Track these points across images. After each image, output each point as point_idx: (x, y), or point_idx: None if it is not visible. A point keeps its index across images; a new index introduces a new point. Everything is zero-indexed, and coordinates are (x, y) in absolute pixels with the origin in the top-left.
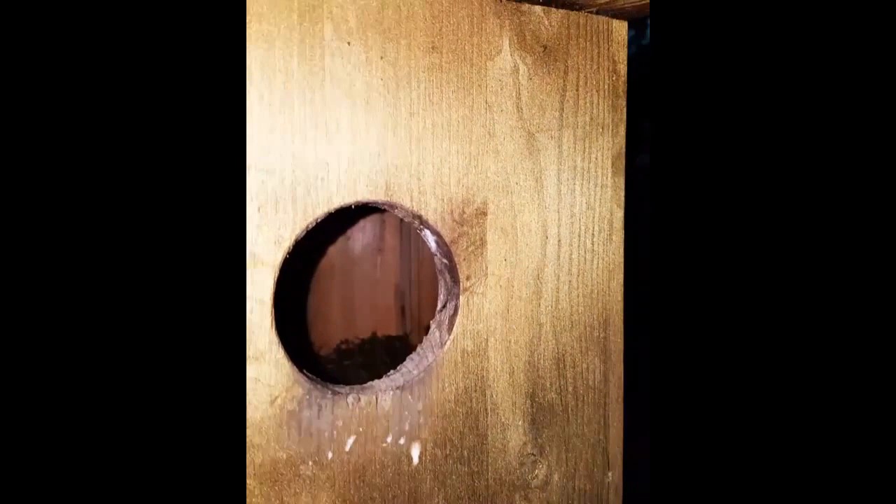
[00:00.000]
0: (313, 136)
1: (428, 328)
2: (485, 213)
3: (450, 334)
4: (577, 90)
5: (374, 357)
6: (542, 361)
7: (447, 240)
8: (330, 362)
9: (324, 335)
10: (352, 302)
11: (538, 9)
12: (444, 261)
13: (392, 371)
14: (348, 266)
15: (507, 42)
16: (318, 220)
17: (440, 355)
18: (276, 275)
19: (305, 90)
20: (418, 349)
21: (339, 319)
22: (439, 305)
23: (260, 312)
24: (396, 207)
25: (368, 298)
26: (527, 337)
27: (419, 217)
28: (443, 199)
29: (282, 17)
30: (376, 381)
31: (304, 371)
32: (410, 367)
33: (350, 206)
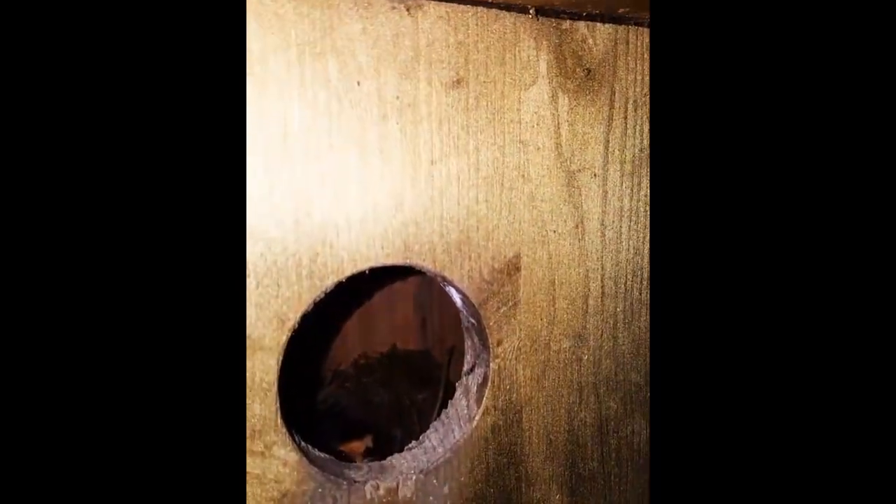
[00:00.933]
0: (318, 196)
1: (452, 350)
2: (518, 269)
3: (479, 406)
4: (624, 119)
5: (394, 373)
6: (582, 428)
7: (475, 301)
8: (348, 378)
9: (342, 349)
10: (370, 314)
11: (581, 25)
12: (472, 321)
13: (413, 444)
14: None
15: (545, 67)
16: (328, 291)
17: (468, 431)
18: (281, 358)
19: (309, 141)
20: (443, 418)
21: (356, 333)
22: (466, 366)
23: (264, 402)
24: (417, 268)
25: (387, 311)
26: (566, 403)
27: (442, 277)
28: (469, 256)
29: (276, 55)
30: (396, 460)
31: (315, 449)
32: (434, 441)
33: (364, 272)
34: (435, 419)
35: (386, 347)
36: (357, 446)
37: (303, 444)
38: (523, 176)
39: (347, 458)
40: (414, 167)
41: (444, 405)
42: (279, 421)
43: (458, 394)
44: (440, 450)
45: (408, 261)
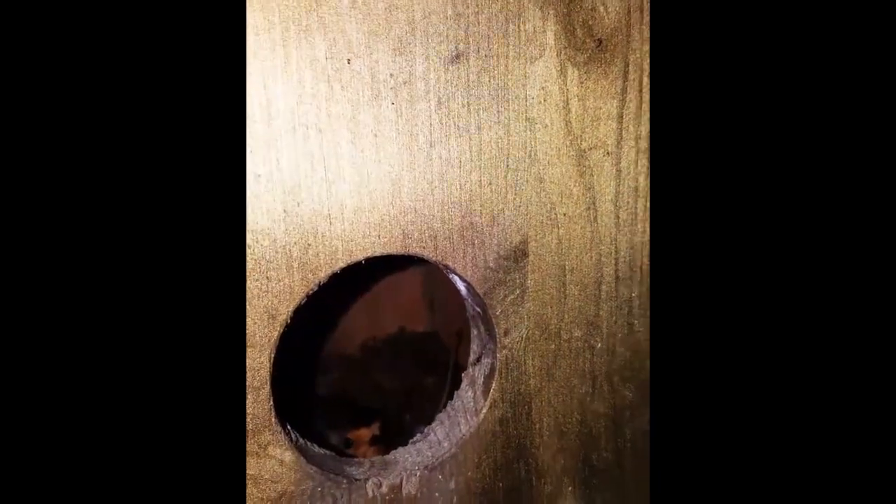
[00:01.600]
0: (308, 184)
1: (460, 333)
2: (525, 254)
3: (486, 399)
4: (639, 92)
5: (402, 356)
6: (596, 420)
7: (480, 290)
8: (355, 363)
9: (348, 331)
10: (376, 295)
11: None
12: (478, 310)
13: (418, 436)
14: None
15: (552, 38)
16: (322, 284)
17: (475, 424)
18: (273, 354)
19: (296, 126)
20: (448, 410)
21: (363, 314)
22: (472, 356)
23: (256, 401)
24: (417, 257)
25: (394, 292)
26: (578, 394)
27: (445, 265)
28: (473, 243)
29: (259, 33)
30: (400, 454)
31: (314, 445)
32: (440, 434)
33: (360, 262)
34: (441, 410)
35: (393, 329)
36: (364, 433)
37: (300, 441)
38: (530, 156)
39: (354, 446)
40: (411, 150)
41: (452, 391)
42: (274, 419)
43: (464, 385)
44: (446, 444)
45: (407, 250)
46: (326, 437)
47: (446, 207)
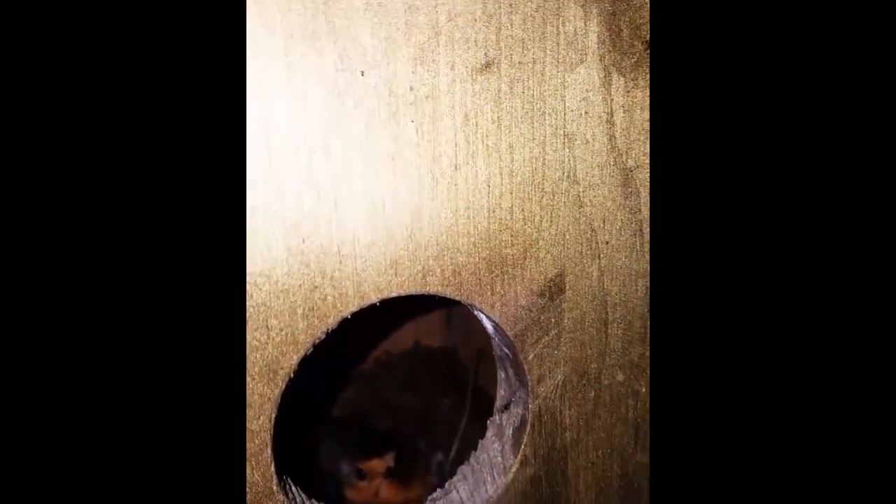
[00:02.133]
0: (315, 215)
1: (480, 354)
2: (562, 290)
3: (516, 455)
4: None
5: (418, 373)
6: (638, 472)
7: (510, 331)
8: (369, 380)
9: (362, 346)
10: (391, 310)
11: None
12: (506, 351)
13: (437, 494)
14: None
15: (595, 41)
16: (331, 330)
17: (504, 484)
18: (275, 414)
19: (299, 149)
20: (472, 463)
21: (376, 326)
22: (499, 401)
23: (256, 467)
24: (435, 295)
25: (410, 306)
26: (619, 445)
27: (470, 304)
28: (502, 279)
29: (259, 41)
30: None
31: None
32: (463, 494)
33: (375, 304)
34: (465, 461)
35: (408, 343)
36: (378, 465)
37: (305, 502)
38: (569, 177)
39: (368, 478)
40: (433, 174)
41: (473, 416)
42: (275, 486)
43: (489, 435)
44: None
45: (427, 289)
46: (337, 465)
47: (472, 239)
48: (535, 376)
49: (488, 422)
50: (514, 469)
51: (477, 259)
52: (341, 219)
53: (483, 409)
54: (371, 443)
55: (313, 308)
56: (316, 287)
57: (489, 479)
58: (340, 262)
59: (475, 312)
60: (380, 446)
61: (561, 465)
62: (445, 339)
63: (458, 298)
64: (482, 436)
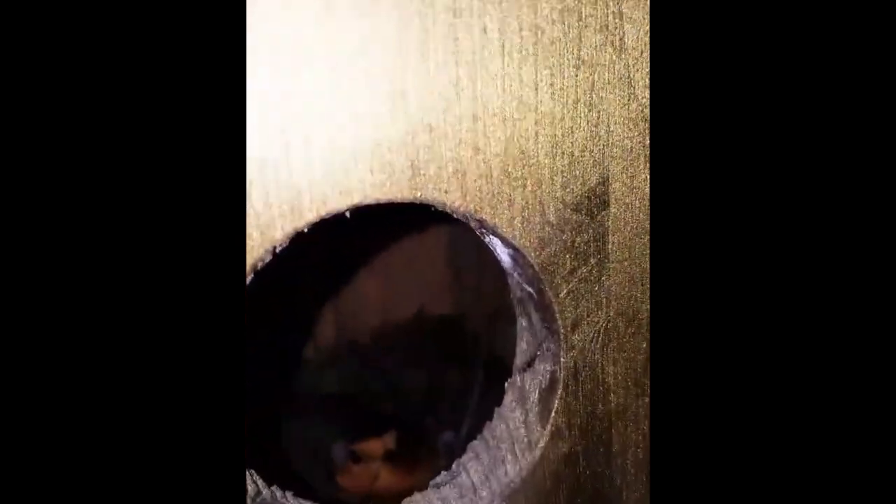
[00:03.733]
0: (260, 97)
1: (495, 316)
2: (606, 203)
3: (544, 426)
4: None
5: (423, 345)
6: None
7: (535, 259)
8: (366, 355)
9: (357, 316)
10: (390, 266)
11: None
12: (529, 289)
13: (442, 477)
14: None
15: None
16: (280, 249)
17: (530, 464)
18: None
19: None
20: (486, 437)
21: (375, 294)
22: (520, 358)
23: None
24: (432, 206)
25: (411, 262)
26: None
27: (479, 220)
28: (524, 185)
29: None
30: (415, 500)
31: (296, 500)
32: (475, 477)
33: (343, 214)
34: (467, 411)
35: (412, 312)
36: (375, 447)
37: (265, 494)
38: (612, 43)
39: (363, 462)
40: (426, 33)
41: (486, 391)
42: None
43: (508, 401)
44: (485, 493)
45: (417, 194)
46: (328, 449)
47: (480, 126)
48: (569, 321)
49: (506, 384)
50: (542, 444)
51: (487, 155)
52: (293, 98)
53: (497, 380)
54: (368, 421)
55: (259, 220)
56: (267, 192)
57: (509, 457)
58: (287, 158)
59: (487, 239)
60: (378, 425)
61: (604, 437)
62: (453, 305)
63: (460, 212)
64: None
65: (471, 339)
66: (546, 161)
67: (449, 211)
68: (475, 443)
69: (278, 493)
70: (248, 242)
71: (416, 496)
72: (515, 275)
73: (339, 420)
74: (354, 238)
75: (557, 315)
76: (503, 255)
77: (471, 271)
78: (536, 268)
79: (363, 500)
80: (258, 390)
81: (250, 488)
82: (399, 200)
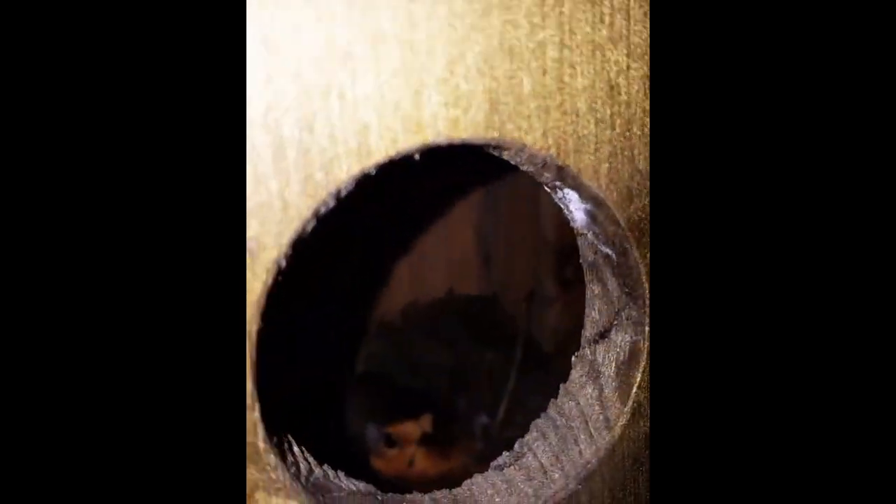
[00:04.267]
0: (296, 35)
1: (531, 296)
2: None
3: (624, 403)
4: None
5: (451, 323)
6: None
7: (620, 215)
8: (394, 331)
9: (386, 295)
10: (420, 249)
11: None
12: (606, 251)
13: (505, 457)
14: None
15: None
16: (348, 189)
17: (607, 444)
18: (255, 354)
19: None
20: (554, 416)
21: (404, 273)
22: (591, 329)
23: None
24: (508, 149)
25: (441, 244)
26: None
27: (559, 169)
28: (613, 125)
29: None
30: (479, 489)
31: (340, 477)
32: (544, 459)
33: (413, 158)
34: (505, 392)
35: (441, 292)
36: (411, 430)
37: (318, 475)
38: None
39: (398, 446)
40: None
41: (523, 370)
42: (263, 445)
43: (577, 377)
44: (557, 475)
45: (494, 133)
46: (362, 429)
47: (568, 53)
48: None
49: (573, 359)
50: (621, 422)
51: (574, 89)
52: (339, 36)
53: (535, 362)
54: (402, 403)
55: (305, 167)
56: (301, 142)
57: (582, 436)
58: (341, 100)
59: (559, 194)
60: (413, 408)
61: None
62: (484, 286)
63: (539, 157)
64: (537, 392)
65: (506, 319)
66: (638, 98)
67: (524, 160)
68: (539, 421)
69: (330, 473)
70: (311, 184)
71: (478, 478)
72: (590, 235)
73: (371, 400)
74: (387, 225)
75: (642, 279)
76: (578, 211)
77: (499, 254)
78: (622, 224)
79: (398, 484)
80: (300, 372)
81: (303, 466)
82: (474, 141)
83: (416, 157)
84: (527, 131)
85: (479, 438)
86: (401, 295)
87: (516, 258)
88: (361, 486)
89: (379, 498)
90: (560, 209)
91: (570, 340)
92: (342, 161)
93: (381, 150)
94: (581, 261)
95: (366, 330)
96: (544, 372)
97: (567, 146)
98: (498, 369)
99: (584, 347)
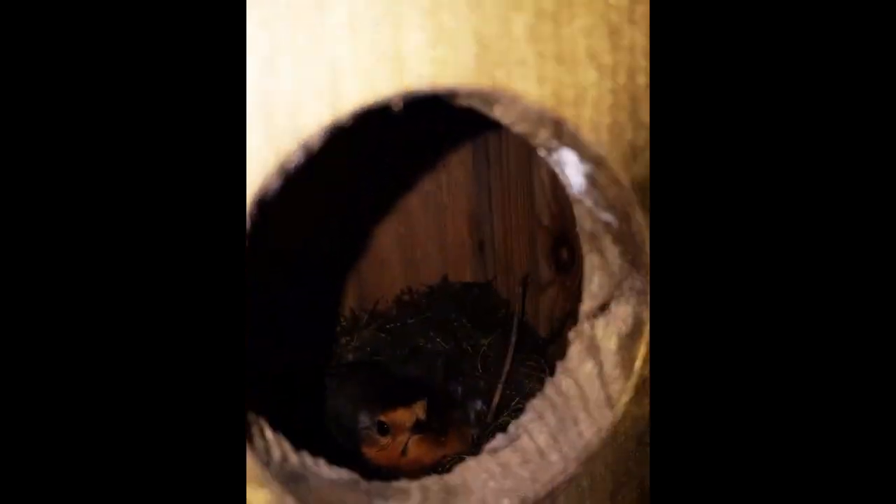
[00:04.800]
0: None
1: (526, 280)
2: None
3: (627, 378)
4: None
5: (447, 312)
6: None
7: (622, 175)
8: (389, 321)
9: (379, 283)
10: (412, 236)
11: None
12: (606, 217)
13: (499, 439)
14: (403, 188)
15: None
16: (320, 144)
17: (608, 423)
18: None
19: None
20: (551, 395)
21: (397, 261)
22: (590, 303)
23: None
24: (499, 101)
25: (435, 231)
26: None
27: (556, 123)
28: (614, 72)
29: None
30: (472, 474)
31: (322, 464)
32: (540, 440)
33: (391, 109)
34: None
35: (435, 278)
36: (404, 417)
37: (303, 462)
38: None
39: (391, 434)
40: None
41: (520, 357)
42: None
43: (574, 353)
44: (555, 457)
45: (484, 79)
46: (354, 418)
47: None
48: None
49: (570, 335)
50: (624, 399)
51: (572, 30)
52: None
53: (531, 346)
54: (395, 390)
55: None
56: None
57: (582, 415)
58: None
59: (554, 156)
60: (406, 394)
61: None
62: (478, 272)
63: (533, 110)
64: (531, 378)
65: (500, 304)
66: (643, 42)
67: (516, 116)
68: (535, 401)
69: (308, 461)
70: (273, 131)
71: (470, 462)
72: (589, 201)
73: (362, 387)
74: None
75: (646, 244)
76: (576, 175)
77: (495, 240)
78: (626, 185)
79: (390, 473)
80: (286, 356)
81: (275, 453)
82: (461, 88)
83: (399, 106)
84: (520, 79)
85: (475, 424)
86: (395, 283)
87: (511, 242)
88: (344, 473)
89: (362, 486)
90: (554, 188)
91: (565, 324)
92: (310, 104)
93: (355, 93)
94: (579, 229)
95: (358, 318)
96: (540, 356)
97: (565, 97)
98: (493, 355)
99: (582, 322)
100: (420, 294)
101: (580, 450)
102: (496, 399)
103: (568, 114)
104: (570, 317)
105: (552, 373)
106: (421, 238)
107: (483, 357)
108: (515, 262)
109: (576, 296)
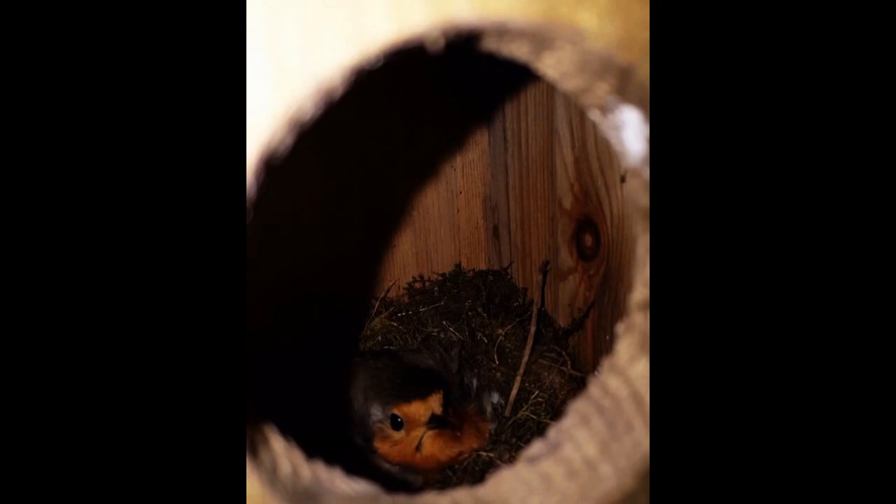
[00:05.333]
0: None
1: (546, 266)
2: None
3: None
4: None
5: (460, 300)
6: None
7: None
8: (401, 308)
9: (391, 270)
10: (425, 223)
11: None
12: None
13: (537, 446)
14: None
15: None
16: (313, 115)
17: None
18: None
19: None
20: (595, 397)
21: (409, 248)
22: (641, 292)
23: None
24: (559, 41)
25: (447, 217)
26: None
27: (621, 72)
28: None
29: None
30: (507, 486)
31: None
32: (589, 447)
33: (420, 46)
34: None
35: (449, 266)
36: (419, 410)
37: (305, 476)
38: None
39: (405, 428)
40: None
41: (539, 347)
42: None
43: (622, 349)
44: (607, 468)
45: (550, 16)
46: (364, 409)
47: None
48: None
49: (616, 328)
50: None
51: None
52: None
53: (550, 337)
54: (407, 381)
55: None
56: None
57: (637, 420)
58: None
59: (609, 117)
60: (422, 386)
61: None
62: (493, 260)
63: (583, 59)
64: (549, 370)
65: (516, 293)
66: None
67: (574, 63)
68: (578, 404)
69: (323, 474)
70: (283, 75)
71: (505, 472)
72: (647, 172)
73: (378, 381)
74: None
75: None
76: (636, 140)
77: (510, 227)
78: None
79: (404, 470)
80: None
81: (284, 467)
82: (513, 23)
83: (438, 45)
84: (584, 9)
85: (492, 419)
86: (408, 270)
87: (529, 227)
88: (362, 487)
89: (384, 502)
90: (579, 168)
91: (588, 314)
92: (327, 44)
93: (383, 27)
94: (631, 209)
95: (371, 307)
96: (560, 347)
97: (634, 39)
98: (510, 345)
99: (632, 314)
100: (432, 282)
101: (637, 460)
102: (514, 392)
103: (639, 62)
104: (593, 306)
105: (574, 365)
106: (433, 223)
107: (499, 348)
108: (534, 248)
109: (601, 285)
